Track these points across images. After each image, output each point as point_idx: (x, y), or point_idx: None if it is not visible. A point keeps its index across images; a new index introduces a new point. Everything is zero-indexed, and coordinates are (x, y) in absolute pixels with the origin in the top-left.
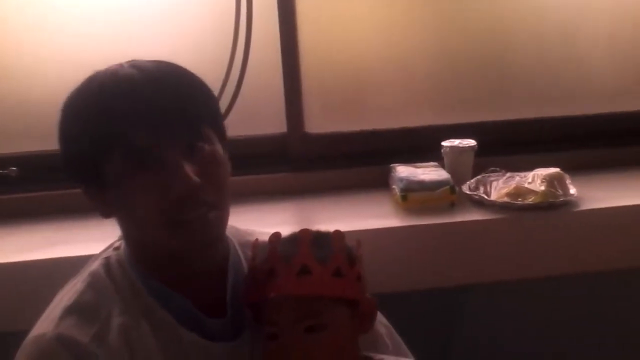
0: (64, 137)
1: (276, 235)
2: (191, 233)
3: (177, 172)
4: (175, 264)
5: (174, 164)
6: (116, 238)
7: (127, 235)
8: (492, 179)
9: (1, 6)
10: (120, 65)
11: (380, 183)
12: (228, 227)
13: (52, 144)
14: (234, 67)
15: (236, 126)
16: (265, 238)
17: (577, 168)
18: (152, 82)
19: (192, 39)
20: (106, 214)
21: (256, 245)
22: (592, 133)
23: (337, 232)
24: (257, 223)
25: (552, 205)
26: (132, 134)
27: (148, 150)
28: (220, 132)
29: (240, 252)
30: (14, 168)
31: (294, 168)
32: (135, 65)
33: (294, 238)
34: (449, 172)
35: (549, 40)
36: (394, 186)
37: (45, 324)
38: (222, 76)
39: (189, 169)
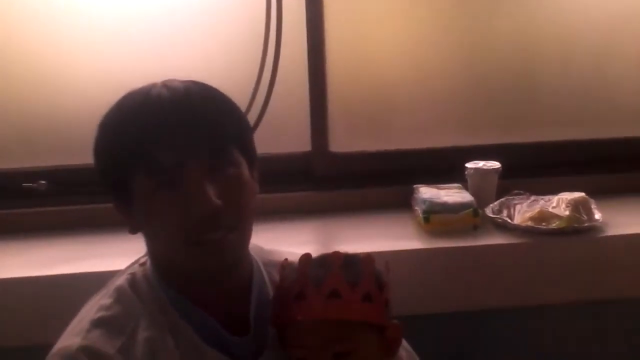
0: (96, 153)
1: (306, 257)
2: (208, 254)
3: (198, 193)
4: (197, 282)
5: (195, 184)
6: (142, 254)
7: (151, 251)
8: (515, 202)
9: (37, 26)
10: (154, 84)
11: (403, 203)
12: (251, 245)
13: (81, 158)
14: (262, 85)
15: (261, 144)
16: (291, 258)
17: (602, 192)
18: (179, 102)
19: (221, 57)
20: (133, 230)
21: (285, 265)
22: (618, 157)
23: (367, 256)
24: (280, 241)
25: (577, 230)
26: (156, 153)
27: (171, 169)
28: (249, 153)
29: (264, 271)
30: (43, 182)
31: (317, 187)
32: (166, 84)
33: (325, 260)
34: (472, 194)
35: (576, 62)
36: (416, 207)
37: (72, 336)
38: (250, 94)
39: (210, 190)
